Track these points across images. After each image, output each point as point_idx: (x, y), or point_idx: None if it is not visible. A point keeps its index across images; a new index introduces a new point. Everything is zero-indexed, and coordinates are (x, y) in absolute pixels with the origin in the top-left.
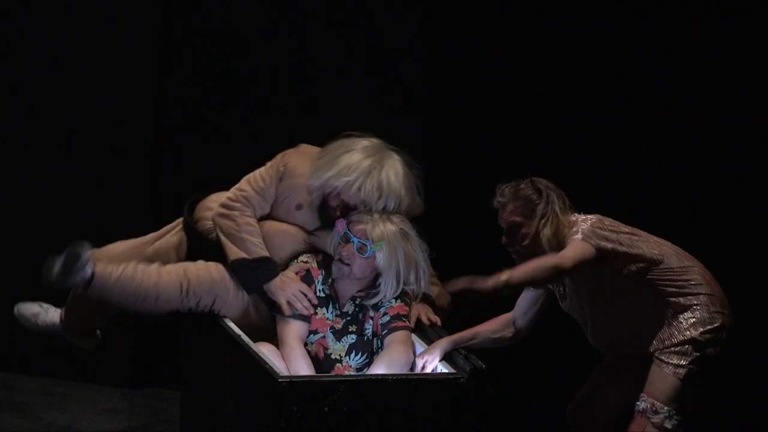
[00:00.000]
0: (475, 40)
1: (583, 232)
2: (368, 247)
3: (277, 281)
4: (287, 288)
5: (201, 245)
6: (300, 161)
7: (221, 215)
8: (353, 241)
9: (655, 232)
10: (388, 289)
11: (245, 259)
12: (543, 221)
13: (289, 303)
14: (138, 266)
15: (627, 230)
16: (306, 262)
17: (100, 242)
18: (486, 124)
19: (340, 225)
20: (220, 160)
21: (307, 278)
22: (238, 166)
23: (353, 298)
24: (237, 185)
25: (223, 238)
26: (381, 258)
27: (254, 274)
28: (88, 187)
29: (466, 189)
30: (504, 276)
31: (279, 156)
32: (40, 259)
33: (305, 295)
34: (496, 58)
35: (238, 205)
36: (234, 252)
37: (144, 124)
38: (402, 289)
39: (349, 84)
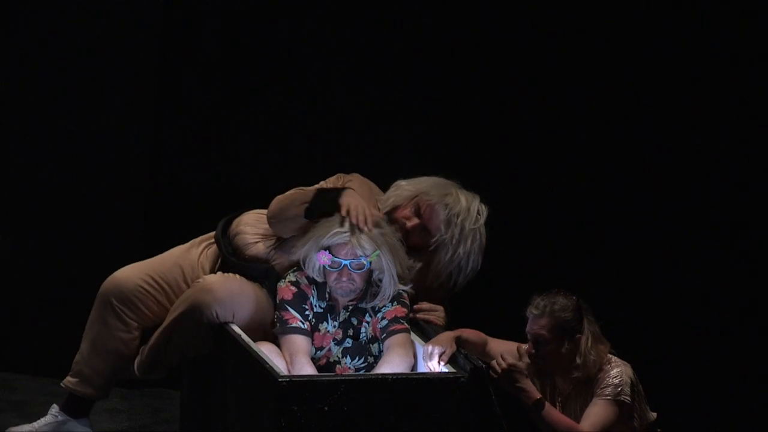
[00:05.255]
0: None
1: (614, 392)
2: (365, 262)
3: (349, 194)
4: (354, 199)
5: (234, 260)
6: (361, 189)
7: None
8: (345, 264)
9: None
10: (389, 286)
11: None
12: (572, 345)
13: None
14: (151, 342)
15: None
16: (295, 281)
17: (97, 243)
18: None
19: (324, 256)
20: (219, 161)
21: (301, 296)
22: (238, 166)
23: (345, 307)
24: None
25: (291, 198)
26: (377, 263)
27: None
28: (87, 187)
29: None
30: (539, 403)
31: (335, 179)
32: (39, 259)
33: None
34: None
35: None
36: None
37: (143, 123)
38: (398, 290)
39: (348, 82)
